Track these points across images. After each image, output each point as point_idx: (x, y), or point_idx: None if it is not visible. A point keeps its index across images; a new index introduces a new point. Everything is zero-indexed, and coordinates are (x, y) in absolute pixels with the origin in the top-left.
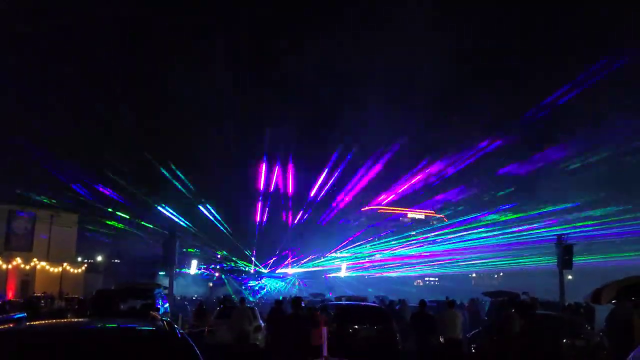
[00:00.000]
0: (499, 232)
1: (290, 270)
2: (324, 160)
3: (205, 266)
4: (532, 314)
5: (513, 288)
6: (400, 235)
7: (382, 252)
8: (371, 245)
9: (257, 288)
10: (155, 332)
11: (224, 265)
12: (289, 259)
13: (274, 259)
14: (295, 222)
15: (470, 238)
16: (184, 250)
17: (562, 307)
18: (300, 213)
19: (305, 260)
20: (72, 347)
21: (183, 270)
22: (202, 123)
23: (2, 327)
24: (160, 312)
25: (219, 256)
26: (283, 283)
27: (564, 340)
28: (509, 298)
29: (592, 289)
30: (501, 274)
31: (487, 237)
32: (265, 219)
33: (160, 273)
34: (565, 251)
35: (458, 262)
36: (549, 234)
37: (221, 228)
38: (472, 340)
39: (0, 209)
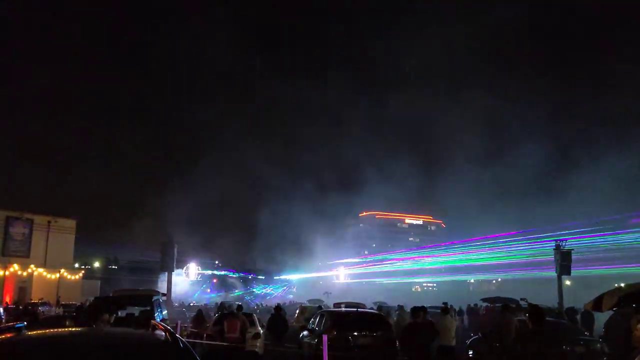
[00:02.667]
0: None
1: (288, 277)
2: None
3: (204, 272)
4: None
5: (511, 294)
6: (398, 241)
7: (380, 258)
8: (369, 252)
9: (256, 294)
10: (158, 341)
11: (223, 272)
12: (288, 265)
13: (273, 265)
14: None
15: (470, 247)
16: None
17: (558, 313)
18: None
19: (303, 267)
20: (73, 358)
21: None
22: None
23: (2, 337)
24: (158, 320)
25: (217, 263)
26: (281, 289)
27: (564, 347)
28: (504, 304)
29: (593, 296)
30: (499, 279)
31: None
32: (267, 225)
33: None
34: (563, 257)
35: (456, 269)
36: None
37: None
38: (470, 346)
39: None
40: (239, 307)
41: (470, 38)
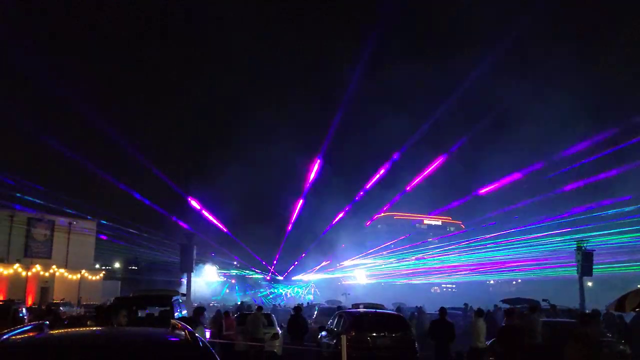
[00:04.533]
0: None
1: (306, 277)
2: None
3: (223, 272)
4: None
5: (531, 295)
6: (417, 242)
7: (399, 258)
8: (387, 252)
9: (274, 294)
10: (177, 341)
11: (242, 272)
12: (307, 266)
13: (292, 266)
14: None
15: (489, 245)
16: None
17: (581, 315)
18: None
19: (322, 268)
20: (94, 357)
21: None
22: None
23: (25, 335)
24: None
25: (235, 263)
26: (300, 290)
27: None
28: (531, 305)
29: (615, 297)
30: (519, 280)
31: (507, 243)
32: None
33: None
34: (585, 258)
35: (476, 269)
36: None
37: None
38: (491, 348)
39: (20, 216)
40: (259, 307)
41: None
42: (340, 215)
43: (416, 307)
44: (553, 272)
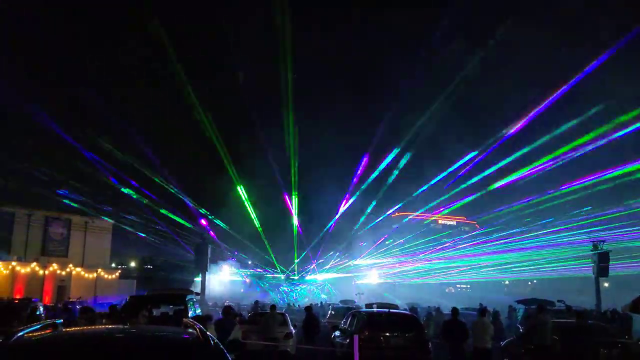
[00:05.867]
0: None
1: (320, 277)
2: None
3: (238, 272)
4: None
5: (546, 295)
6: (430, 239)
7: (413, 257)
8: (401, 251)
9: (288, 294)
10: (188, 340)
11: (257, 271)
12: (321, 265)
13: (308, 266)
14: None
15: (504, 244)
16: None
17: (598, 315)
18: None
19: (336, 267)
20: (106, 355)
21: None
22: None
23: (39, 333)
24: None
25: (249, 262)
26: (315, 289)
27: (601, 350)
28: (539, 305)
29: (632, 298)
30: (534, 281)
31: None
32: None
33: (196, 279)
34: (601, 258)
35: (490, 269)
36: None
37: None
38: (505, 349)
39: (37, 215)
40: (272, 307)
41: None
42: (345, 207)
43: (428, 307)
44: (567, 269)
